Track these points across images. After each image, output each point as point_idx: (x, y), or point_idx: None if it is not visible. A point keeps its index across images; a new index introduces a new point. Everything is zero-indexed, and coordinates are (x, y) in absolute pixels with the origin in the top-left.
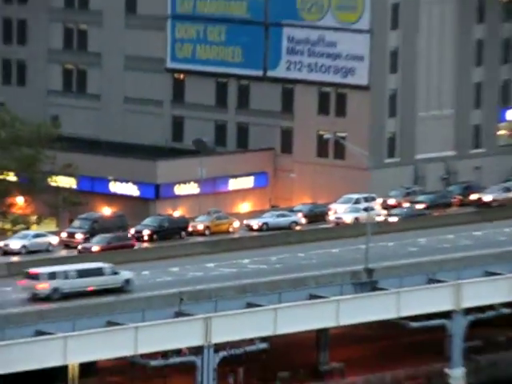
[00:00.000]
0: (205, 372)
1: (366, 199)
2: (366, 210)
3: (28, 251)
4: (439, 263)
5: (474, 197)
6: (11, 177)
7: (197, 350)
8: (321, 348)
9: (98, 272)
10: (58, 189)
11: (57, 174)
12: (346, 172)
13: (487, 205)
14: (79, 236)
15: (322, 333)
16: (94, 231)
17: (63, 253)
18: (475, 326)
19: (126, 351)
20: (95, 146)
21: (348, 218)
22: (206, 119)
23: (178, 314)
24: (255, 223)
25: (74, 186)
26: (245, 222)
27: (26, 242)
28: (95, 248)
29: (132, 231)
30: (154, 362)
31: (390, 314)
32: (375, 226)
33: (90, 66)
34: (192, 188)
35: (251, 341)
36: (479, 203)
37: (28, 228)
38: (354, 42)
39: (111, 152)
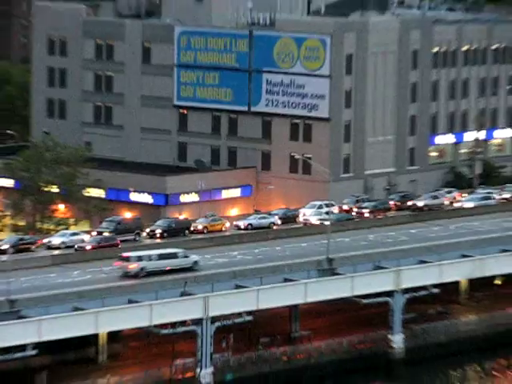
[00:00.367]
0: (204, 338)
1: (327, 205)
2: (327, 213)
3: (66, 246)
4: (383, 254)
5: (409, 203)
6: (54, 189)
7: (197, 322)
8: (293, 320)
9: (173, 255)
10: (90, 198)
11: (89, 186)
12: (312, 184)
13: (420, 209)
14: (105, 234)
15: (293, 308)
16: (117, 230)
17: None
18: (411, 303)
19: (143, 323)
20: (119, 165)
21: (313, 220)
22: (204, 144)
23: (183, 294)
24: (242, 224)
25: (103, 196)
26: (234, 222)
27: (64, 239)
28: (88, 247)
29: (147, 230)
30: (164, 331)
31: (345, 293)
32: (334, 225)
33: (114, 104)
34: (193, 197)
35: (239, 314)
36: (414, 208)
37: (67, 228)
38: (318, 84)
39: (131, 169)
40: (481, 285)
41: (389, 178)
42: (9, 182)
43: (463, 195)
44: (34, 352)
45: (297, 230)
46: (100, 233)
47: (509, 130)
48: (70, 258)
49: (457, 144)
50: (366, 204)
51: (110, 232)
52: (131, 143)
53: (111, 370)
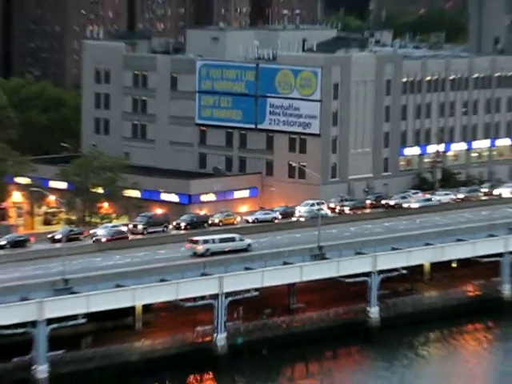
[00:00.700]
0: (219, 310)
1: (318, 203)
2: (318, 210)
3: (108, 236)
4: (362, 242)
5: (383, 202)
6: (100, 190)
7: (214, 296)
8: (290, 295)
9: (232, 239)
10: (128, 197)
11: (128, 188)
12: (306, 187)
13: (392, 207)
14: (140, 227)
15: (291, 285)
16: (149, 224)
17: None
18: (385, 282)
19: (171, 297)
20: (151, 171)
21: (306, 215)
22: (220, 154)
23: (203, 274)
24: (250, 218)
25: (139, 196)
26: (244, 217)
27: (106, 231)
28: (103, 239)
29: (174, 223)
30: (187, 304)
31: (332, 274)
32: (324, 219)
33: (148, 122)
34: (211, 197)
35: (248, 290)
36: (386, 206)
37: (110, 222)
38: (310, 107)
39: (161, 175)
40: (440, 267)
41: (367, 182)
42: (63, 185)
43: (426, 195)
44: (83, 320)
45: (294, 223)
46: (135, 225)
47: (463, 143)
48: (112, 246)
49: (421, 155)
50: (347, 203)
51: (143, 225)
52: (161, 153)
53: (145, 335)
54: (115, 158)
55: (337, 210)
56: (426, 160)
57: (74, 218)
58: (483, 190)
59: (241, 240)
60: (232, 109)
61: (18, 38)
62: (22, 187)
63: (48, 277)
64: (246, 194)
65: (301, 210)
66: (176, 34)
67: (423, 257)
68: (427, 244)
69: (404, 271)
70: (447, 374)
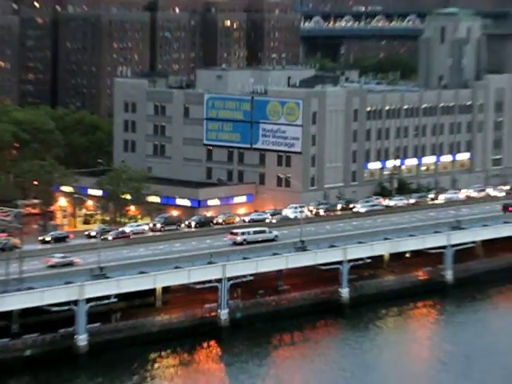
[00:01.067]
0: (222, 291)
1: (300, 207)
2: (300, 212)
3: (134, 233)
4: (335, 237)
5: (351, 206)
6: (128, 196)
7: (219, 280)
8: (278, 279)
9: (263, 232)
10: (150, 202)
11: (150, 195)
12: (291, 193)
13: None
14: (158, 225)
15: (279, 271)
16: (165, 223)
17: (150, 233)
18: (354, 268)
19: (185, 281)
20: (169, 181)
21: (292, 215)
22: (222, 168)
23: (210, 263)
24: (247, 219)
25: (159, 201)
26: (242, 218)
27: (132, 228)
28: (110, 238)
29: (186, 222)
30: (198, 286)
31: (312, 262)
32: (304, 219)
33: (166, 143)
34: (216, 202)
35: (245, 276)
36: (353, 210)
37: (136, 221)
38: (294, 130)
39: (176, 184)
40: (396, 257)
41: (339, 190)
42: (99, 192)
43: (385, 200)
44: (114, 300)
45: (281, 222)
46: (154, 224)
47: (414, 159)
48: (137, 240)
49: (381, 168)
50: (322, 206)
51: (161, 224)
52: (176, 167)
53: (163, 311)
54: (140, 171)
55: (314, 212)
56: (386, 172)
57: (107, 218)
58: (430, 196)
59: (270, 232)
60: (232, 132)
61: (63, 76)
62: (66, 194)
63: (87, 265)
64: (243, 199)
65: (287, 212)
66: (188, 73)
67: (383, 248)
68: (386, 238)
69: (368, 260)
70: (402, 340)
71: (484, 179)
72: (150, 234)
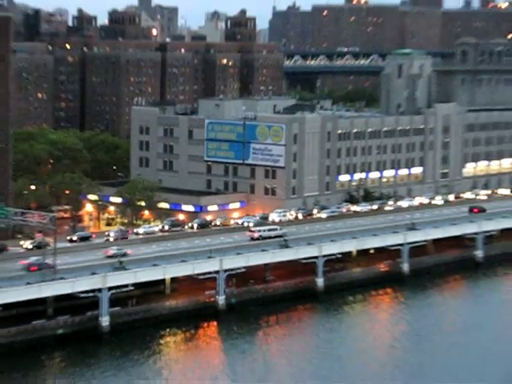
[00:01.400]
0: (220, 281)
1: (284, 212)
2: (283, 216)
3: (146, 233)
4: (312, 237)
5: (326, 211)
6: (142, 203)
7: (217, 272)
8: (266, 271)
9: (275, 229)
10: (161, 208)
11: (160, 201)
12: (276, 201)
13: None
14: (166, 227)
15: (266, 264)
16: (172, 225)
17: (159, 234)
18: (328, 262)
19: (189, 272)
20: (176, 191)
21: (277, 219)
22: (220, 180)
23: (209, 257)
24: (240, 222)
25: (168, 207)
26: (236, 221)
27: (145, 229)
28: (111, 239)
29: (189, 224)
30: (200, 277)
31: (293, 257)
32: (288, 222)
33: (174, 159)
34: (214, 207)
35: (239, 268)
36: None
37: (149, 224)
38: (279, 149)
39: (182, 193)
40: (362, 253)
41: (315, 198)
42: (119, 200)
43: (353, 206)
44: (131, 288)
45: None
46: (163, 226)
47: (377, 172)
48: (150, 239)
49: (350, 180)
50: (301, 211)
51: (168, 226)
52: (183, 179)
53: (171, 297)
54: (152, 183)
55: (294, 216)
56: (353, 183)
57: (125, 221)
58: (390, 202)
59: (280, 229)
60: (228, 150)
61: (90, 105)
62: (92, 201)
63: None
64: (237, 205)
65: (272, 216)
66: (192, 102)
67: (351, 246)
68: (354, 237)
69: (339, 255)
70: (365, 321)
71: (434, 189)
72: (160, 234)
